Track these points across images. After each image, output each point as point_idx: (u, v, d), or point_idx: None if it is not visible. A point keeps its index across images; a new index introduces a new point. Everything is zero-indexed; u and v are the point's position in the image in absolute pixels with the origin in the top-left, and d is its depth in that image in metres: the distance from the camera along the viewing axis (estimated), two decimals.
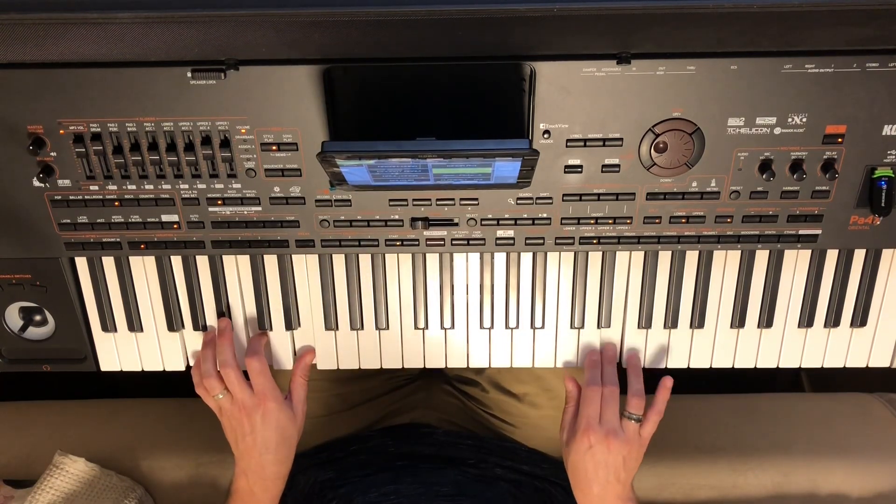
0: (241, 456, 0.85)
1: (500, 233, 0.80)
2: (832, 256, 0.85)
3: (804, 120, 0.72)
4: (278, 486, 0.87)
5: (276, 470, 0.85)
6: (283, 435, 0.85)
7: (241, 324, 0.88)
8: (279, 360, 0.90)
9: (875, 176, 0.75)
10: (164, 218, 0.79)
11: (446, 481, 0.94)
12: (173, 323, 0.88)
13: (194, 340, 0.89)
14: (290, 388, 0.88)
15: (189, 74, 0.70)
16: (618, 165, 0.75)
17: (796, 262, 0.85)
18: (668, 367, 0.89)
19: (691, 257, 0.85)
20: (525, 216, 0.79)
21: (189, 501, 1.15)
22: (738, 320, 0.87)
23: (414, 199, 0.78)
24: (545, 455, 1.03)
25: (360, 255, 0.85)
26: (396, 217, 0.79)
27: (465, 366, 0.90)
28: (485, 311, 0.87)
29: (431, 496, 0.91)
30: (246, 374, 0.85)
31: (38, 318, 0.87)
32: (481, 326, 0.88)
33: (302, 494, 0.99)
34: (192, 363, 0.90)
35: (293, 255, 0.85)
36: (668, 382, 0.85)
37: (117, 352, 0.89)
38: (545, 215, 0.79)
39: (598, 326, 0.87)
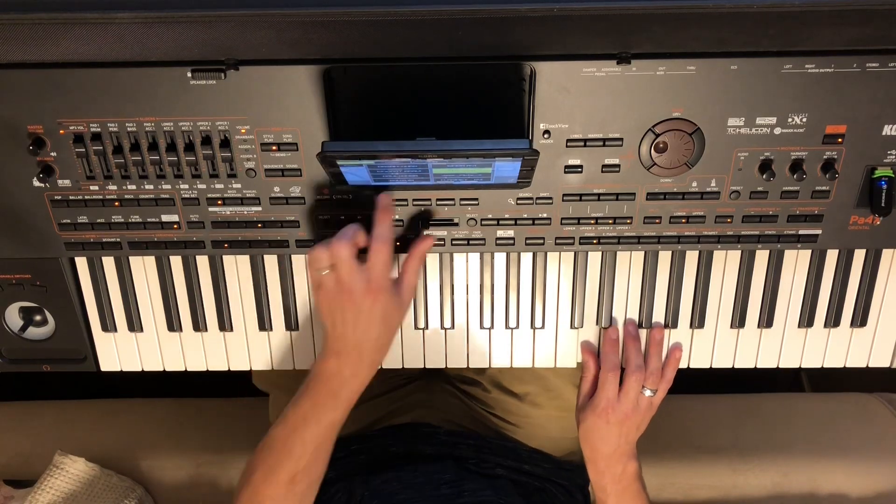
0: (336, 339, 0.77)
1: (500, 233, 0.80)
2: (832, 256, 0.85)
3: (804, 120, 0.72)
4: (370, 372, 0.79)
5: (373, 357, 0.78)
6: (388, 325, 0.77)
7: (240, 324, 0.88)
8: (279, 361, 0.90)
9: (875, 176, 0.75)
10: (164, 218, 0.79)
11: (448, 469, 0.94)
12: (173, 323, 0.88)
13: (194, 341, 0.89)
14: (403, 271, 0.79)
15: (189, 74, 0.70)
16: (618, 165, 0.75)
17: (796, 262, 0.85)
18: None
19: (691, 257, 0.85)
20: (525, 216, 0.79)
21: (189, 501, 1.15)
22: (738, 320, 0.87)
23: (414, 199, 0.78)
24: (547, 455, 1.03)
25: None
26: (396, 217, 0.79)
27: (465, 366, 0.90)
28: (485, 311, 0.87)
29: (434, 484, 0.91)
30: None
31: (38, 318, 0.87)
32: (481, 326, 0.88)
33: None
34: (188, 367, 0.89)
35: (293, 255, 0.85)
36: (678, 354, 0.87)
37: (117, 352, 0.89)
38: (545, 215, 0.79)
39: (598, 326, 0.87)
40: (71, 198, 0.77)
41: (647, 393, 0.85)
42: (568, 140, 0.73)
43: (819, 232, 0.79)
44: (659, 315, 0.87)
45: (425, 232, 0.80)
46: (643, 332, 0.88)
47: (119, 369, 0.90)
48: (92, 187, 0.77)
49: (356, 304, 0.74)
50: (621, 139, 0.73)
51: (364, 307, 0.74)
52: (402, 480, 0.92)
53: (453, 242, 0.81)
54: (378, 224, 0.75)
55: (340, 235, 0.73)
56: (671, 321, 0.87)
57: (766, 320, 0.87)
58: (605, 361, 0.86)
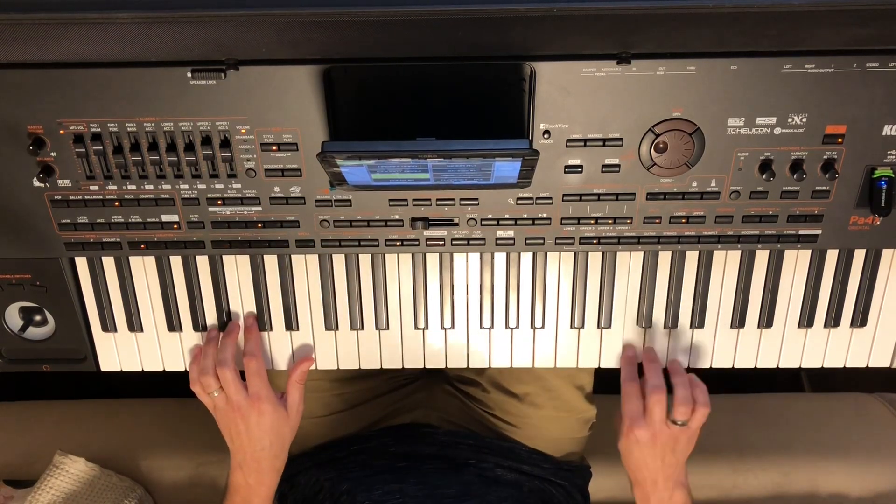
0: (236, 451, 0.87)
1: (500, 233, 0.80)
2: (832, 256, 0.85)
3: (804, 120, 0.72)
4: (273, 478, 0.88)
5: (271, 464, 0.87)
6: (277, 433, 0.86)
7: (240, 324, 0.88)
8: (277, 361, 0.90)
9: (875, 176, 0.75)
10: (164, 218, 0.79)
11: (452, 482, 0.94)
12: (173, 323, 0.88)
13: (194, 341, 0.89)
14: (286, 390, 0.88)
15: (189, 74, 0.70)
16: (618, 165, 0.75)
17: (796, 262, 0.85)
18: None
19: (691, 257, 0.85)
20: (525, 216, 0.79)
21: (189, 501, 1.15)
22: (738, 320, 0.87)
23: (414, 199, 0.78)
24: (546, 455, 1.03)
25: (360, 255, 0.85)
26: (396, 217, 0.79)
27: (465, 366, 0.90)
28: (485, 311, 0.87)
29: (437, 498, 0.91)
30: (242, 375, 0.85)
31: (38, 318, 0.87)
32: (481, 326, 0.88)
33: (303, 495, 0.99)
34: (188, 367, 0.90)
35: (293, 255, 0.85)
36: (695, 378, 0.85)
37: (117, 352, 0.89)
38: (545, 215, 0.79)
39: (598, 326, 0.87)
40: (71, 198, 0.77)
41: (679, 424, 0.81)
42: (568, 140, 0.73)
43: (819, 232, 0.79)
44: (659, 315, 0.87)
45: (425, 233, 0.80)
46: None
47: (119, 369, 0.90)
48: (92, 187, 0.77)
49: (245, 417, 0.84)
50: (621, 139, 0.73)
51: (252, 419, 0.84)
52: (403, 492, 0.92)
53: (453, 242, 0.81)
54: (246, 344, 0.87)
55: (222, 362, 0.83)
56: (671, 321, 0.87)
57: (766, 320, 0.87)
58: (623, 377, 0.85)
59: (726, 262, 0.85)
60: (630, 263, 0.85)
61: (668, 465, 0.84)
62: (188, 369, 0.88)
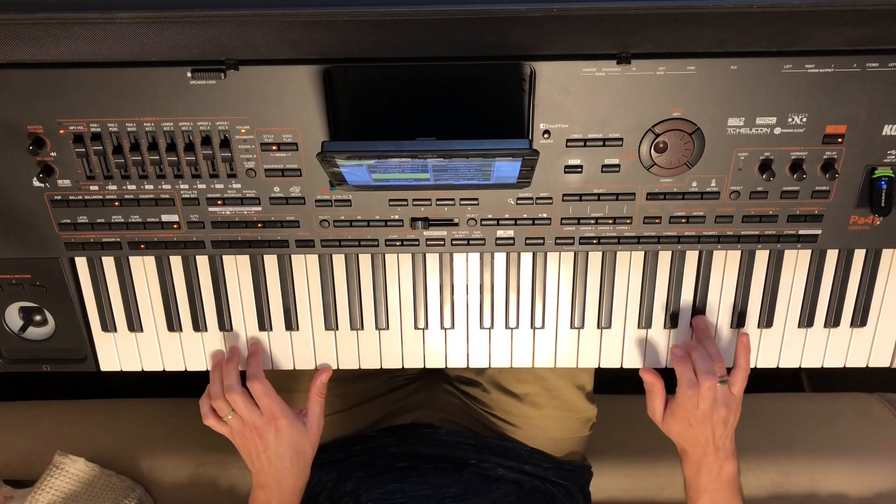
0: (258, 472, 0.86)
1: (500, 233, 0.80)
2: (832, 256, 0.85)
3: (804, 120, 0.72)
4: (296, 498, 0.88)
5: (293, 483, 0.87)
6: (297, 450, 0.86)
7: (240, 324, 0.88)
8: (278, 361, 0.90)
9: (875, 176, 0.75)
10: (164, 218, 0.79)
11: (453, 482, 0.94)
12: (173, 323, 0.88)
13: (194, 341, 0.89)
14: (307, 404, 0.89)
15: (189, 74, 0.70)
16: (618, 165, 0.75)
17: (796, 262, 0.85)
18: (669, 366, 0.89)
19: (691, 257, 0.85)
20: (525, 216, 0.79)
21: (189, 501, 1.15)
22: (738, 320, 0.87)
23: (414, 199, 0.78)
24: (547, 455, 1.03)
25: (360, 255, 0.85)
26: (396, 217, 0.79)
27: (465, 366, 0.90)
28: (485, 311, 0.87)
29: (439, 497, 0.91)
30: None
31: (38, 318, 0.87)
32: (481, 326, 0.88)
33: (305, 495, 0.99)
34: (188, 367, 0.90)
35: (293, 255, 0.85)
36: (745, 339, 0.85)
37: (117, 352, 0.89)
38: (545, 215, 0.79)
39: (598, 326, 0.87)
40: (71, 198, 0.77)
41: (721, 381, 0.82)
42: (568, 140, 0.73)
43: (819, 232, 0.79)
44: (659, 315, 0.87)
45: (425, 233, 0.80)
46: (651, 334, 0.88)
47: (119, 369, 0.90)
48: (92, 187, 0.77)
49: (263, 436, 0.84)
50: (621, 139, 0.73)
51: (270, 437, 0.84)
52: (404, 491, 0.92)
53: (453, 242, 0.81)
54: (247, 367, 0.87)
55: (229, 387, 0.84)
56: (671, 321, 0.87)
57: (766, 320, 0.87)
58: (680, 378, 0.83)
59: (726, 262, 0.85)
60: (630, 263, 0.85)
61: (722, 437, 0.85)
62: (199, 405, 0.87)
